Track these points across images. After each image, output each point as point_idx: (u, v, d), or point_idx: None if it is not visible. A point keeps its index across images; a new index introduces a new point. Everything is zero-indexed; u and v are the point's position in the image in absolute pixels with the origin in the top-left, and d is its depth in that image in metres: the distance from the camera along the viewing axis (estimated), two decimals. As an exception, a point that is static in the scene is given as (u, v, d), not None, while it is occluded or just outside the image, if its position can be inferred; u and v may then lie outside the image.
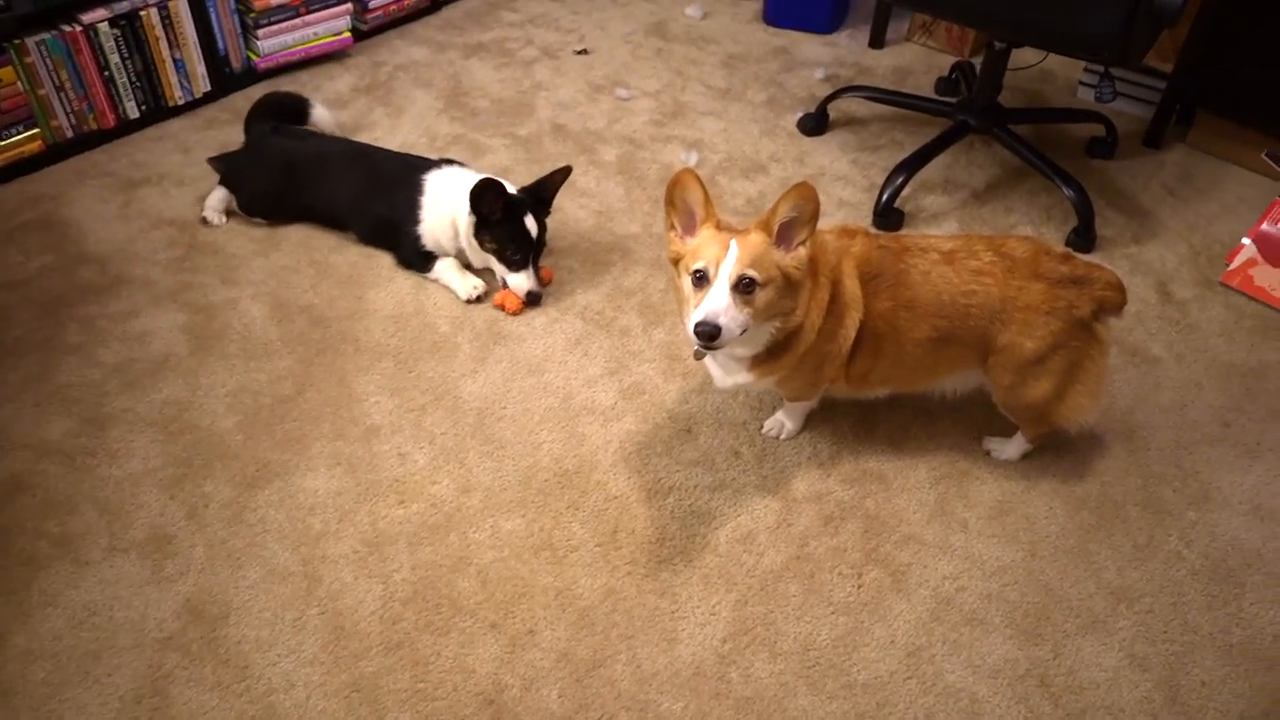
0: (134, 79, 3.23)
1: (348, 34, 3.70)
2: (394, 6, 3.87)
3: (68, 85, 3.08)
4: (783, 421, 2.35)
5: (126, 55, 3.17)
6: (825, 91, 3.45)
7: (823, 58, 3.83)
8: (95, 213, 2.95)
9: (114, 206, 2.98)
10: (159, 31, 3.20)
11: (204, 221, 2.89)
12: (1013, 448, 2.32)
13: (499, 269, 2.65)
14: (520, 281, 2.62)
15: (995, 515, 2.21)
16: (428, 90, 3.55)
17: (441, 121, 3.38)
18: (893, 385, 2.26)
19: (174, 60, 3.29)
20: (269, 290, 2.70)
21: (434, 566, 2.07)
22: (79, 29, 3.03)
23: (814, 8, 3.96)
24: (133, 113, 3.27)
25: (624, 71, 3.69)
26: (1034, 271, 2.06)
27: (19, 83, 2.97)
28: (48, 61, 3.01)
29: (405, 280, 2.77)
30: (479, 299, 2.69)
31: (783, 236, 1.91)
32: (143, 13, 3.14)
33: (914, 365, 2.17)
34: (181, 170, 3.11)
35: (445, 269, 2.72)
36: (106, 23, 3.08)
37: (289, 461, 2.27)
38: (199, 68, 3.36)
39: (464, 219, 2.63)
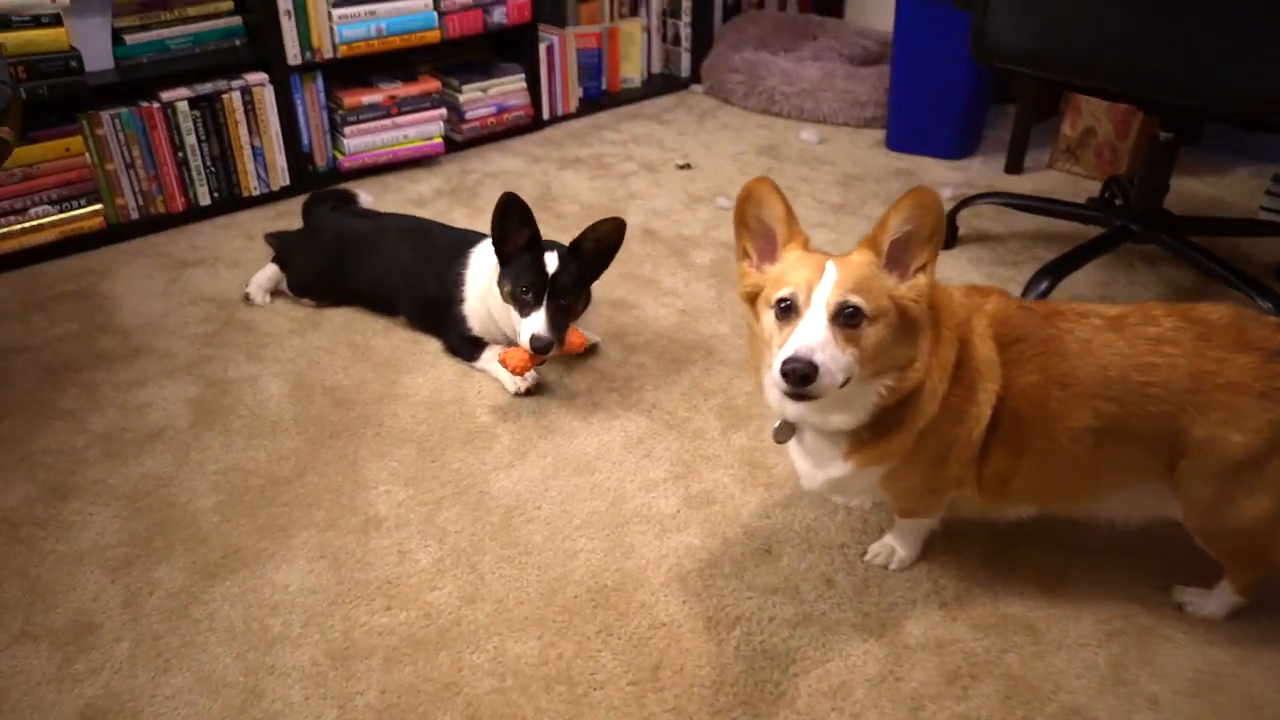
0: (209, 164, 3.08)
1: (439, 139, 3.52)
2: (492, 120, 3.71)
3: (139, 163, 2.94)
4: (893, 547, 1.79)
5: (204, 138, 3.04)
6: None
7: (951, 179, 3.44)
8: (137, 287, 2.72)
9: (159, 283, 2.74)
10: (240, 116, 3.07)
11: (246, 299, 2.61)
12: (1216, 601, 1.68)
13: (515, 320, 2.22)
14: (527, 325, 2.15)
15: (1197, 692, 1.56)
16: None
17: (523, 222, 3.09)
18: (1041, 500, 1.69)
19: (253, 148, 3.14)
20: (295, 369, 2.36)
21: (410, 692, 1.55)
22: (156, 105, 2.92)
23: (940, 131, 3.60)
24: (204, 199, 3.10)
25: (728, 185, 3.37)
26: (1239, 340, 1.50)
27: (87, 154, 2.83)
28: (120, 136, 2.89)
29: (450, 367, 2.38)
30: (530, 391, 2.26)
31: (894, 260, 1.45)
32: (225, 95, 3.02)
33: (1070, 470, 1.60)
34: (239, 254, 2.89)
35: (495, 358, 2.33)
36: (187, 102, 2.97)
37: (264, 550, 1.83)
38: (279, 159, 3.21)
39: (494, 277, 2.26)
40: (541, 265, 2.15)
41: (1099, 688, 1.57)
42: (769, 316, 1.44)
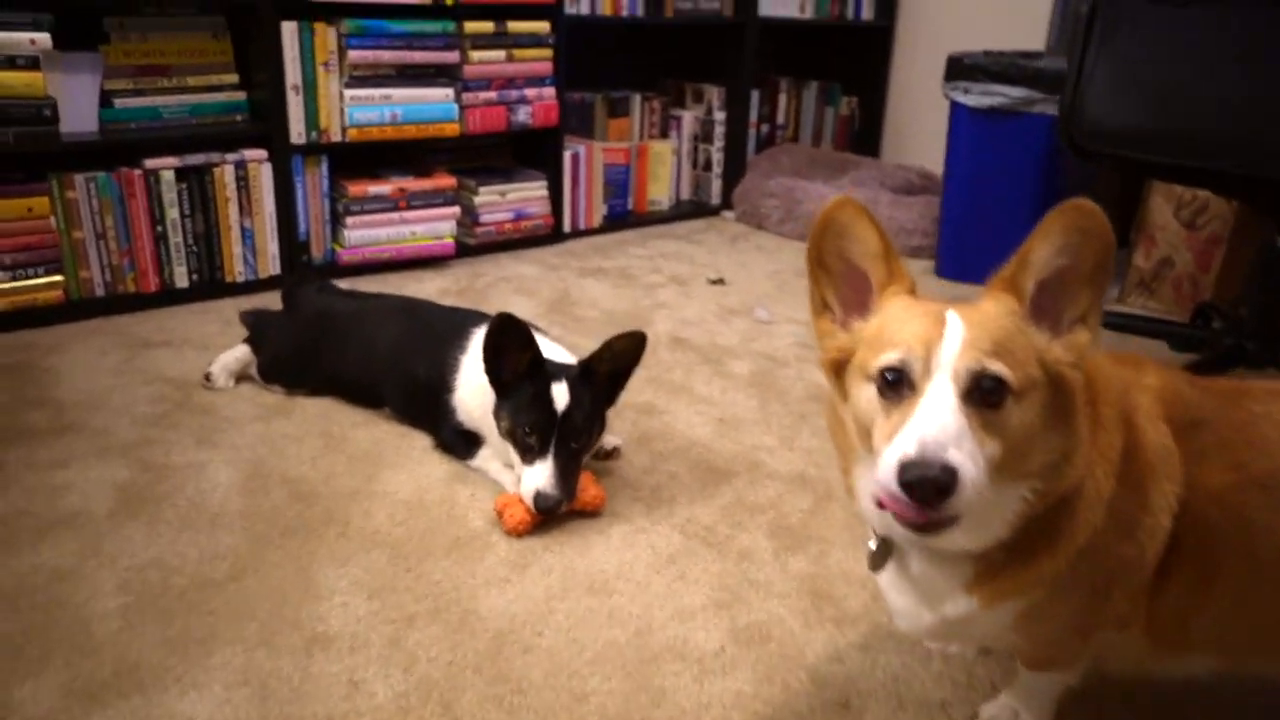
0: (191, 242, 2.76)
1: (450, 239, 3.22)
2: (509, 225, 3.43)
3: (110, 234, 2.63)
4: (1014, 710, 1.32)
5: (188, 213, 2.73)
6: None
7: (1013, 307, 3.10)
8: (85, 363, 2.34)
9: (112, 360, 2.37)
10: (231, 193, 2.78)
11: (207, 379, 2.23)
12: None
13: (515, 465, 1.81)
14: (530, 479, 1.73)
15: None
16: (529, 298, 2.96)
17: (536, 324, 2.74)
18: (1234, 649, 1.23)
19: (242, 229, 2.83)
20: (253, 457, 1.94)
21: None
22: (138, 172, 2.62)
23: (995, 260, 3.29)
24: (181, 280, 2.77)
25: (766, 300, 3.04)
26: None
27: (53, 218, 2.51)
28: (93, 202, 2.58)
29: (441, 465, 1.97)
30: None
31: (1040, 308, 1.03)
32: (217, 169, 2.74)
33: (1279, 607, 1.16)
34: (211, 339, 2.52)
35: (492, 455, 1.92)
36: (173, 172, 2.67)
37: (170, 669, 1.36)
38: (271, 244, 2.89)
39: (490, 395, 1.85)
40: (548, 401, 1.74)
41: None
42: (866, 392, 1.01)
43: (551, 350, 1.89)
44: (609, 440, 2.01)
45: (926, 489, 0.89)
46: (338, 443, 2.03)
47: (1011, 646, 1.27)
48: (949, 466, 0.89)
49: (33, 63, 2.36)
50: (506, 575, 1.62)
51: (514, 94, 3.27)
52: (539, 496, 1.70)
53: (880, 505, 0.99)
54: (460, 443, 1.96)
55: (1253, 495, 1.13)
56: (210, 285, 2.82)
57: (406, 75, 3.03)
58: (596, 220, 3.77)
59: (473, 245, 3.34)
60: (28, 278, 2.51)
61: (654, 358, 2.56)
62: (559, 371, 1.79)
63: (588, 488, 1.80)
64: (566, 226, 3.64)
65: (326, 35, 2.86)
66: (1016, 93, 3.07)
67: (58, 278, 2.56)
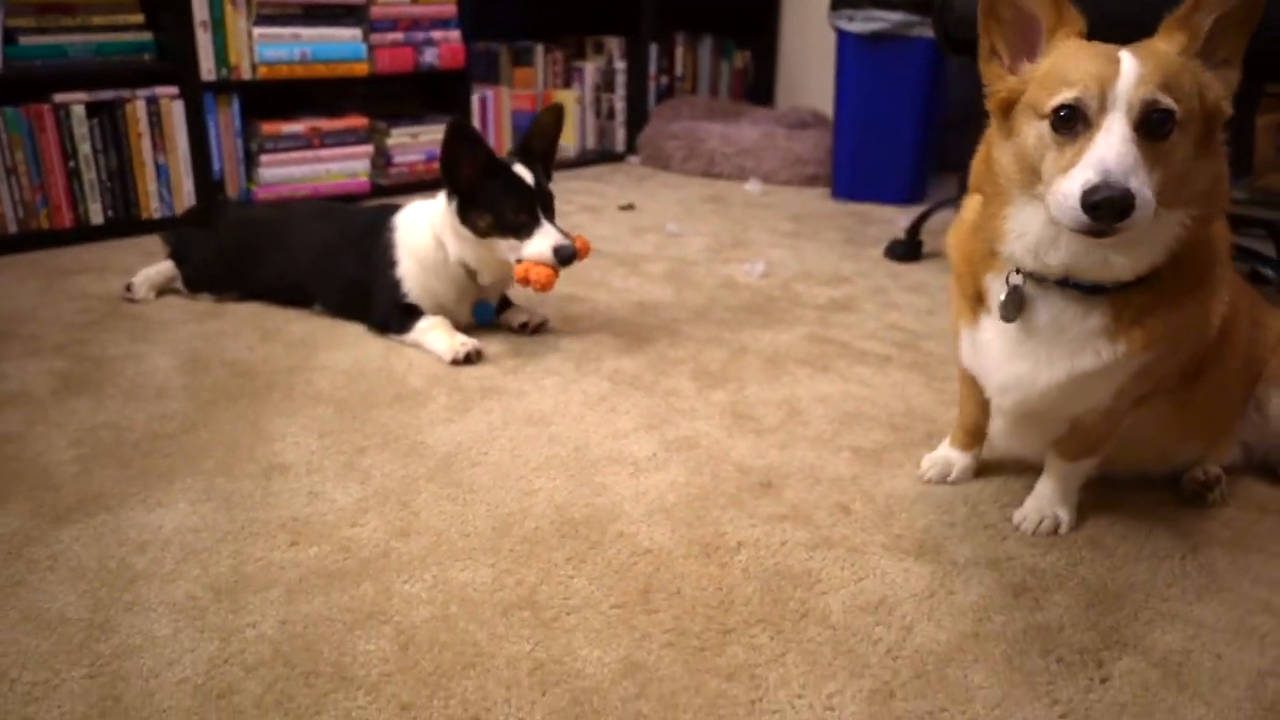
0: (105, 178, 2.77)
1: (365, 177, 3.29)
2: (421, 167, 3.50)
3: (21, 169, 2.63)
4: (1050, 510, 1.41)
5: (100, 149, 2.74)
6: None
7: (908, 216, 3.31)
8: (3, 289, 2.34)
9: (33, 286, 2.38)
10: (144, 129, 2.80)
11: (128, 289, 2.26)
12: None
13: (510, 249, 1.97)
14: (542, 242, 1.94)
15: (1314, 597, 1.26)
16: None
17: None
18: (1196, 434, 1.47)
19: (156, 166, 2.85)
20: (189, 349, 2.00)
21: (321, 621, 1.16)
22: (48, 107, 2.63)
23: (889, 177, 3.52)
24: (96, 216, 2.78)
25: (676, 220, 3.18)
26: None
27: (-39, 153, 2.51)
28: (2, 137, 2.58)
29: (377, 344, 2.05)
30: (469, 359, 1.94)
31: (1204, 49, 1.12)
32: (128, 105, 2.76)
33: (1212, 411, 1.46)
34: (132, 267, 2.52)
35: (428, 327, 2.02)
36: (83, 107, 2.69)
37: (133, 495, 1.43)
38: (186, 182, 2.92)
39: (448, 226, 2.01)
40: (522, 182, 1.95)
41: (1197, 594, 1.26)
42: (1037, 129, 1.11)
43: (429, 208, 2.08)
44: (533, 314, 2.14)
45: (1111, 210, 1.00)
46: (272, 334, 2.09)
47: (1076, 426, 1.33)
48: (1129, 190, 0.99)
49: (-65, -10, 2.35)
50: (449, 417, 1.72)
51: (420, 35, 3.35)
52: (560, 249, 1.93)
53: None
54: (398, 317, 2.05)
55: (1230, 317, 1.33)
56: (126, 221, 2.83)
57: (314, 15, 3.09)
58: (507, 165, 3.87)
59: (386, 185, 3.41)
60: (-62, 213, 2.50)
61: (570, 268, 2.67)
62: (509, 160, 1.96)
63: (579, 241, 2.03)
64: (478, 170, 3.72)
65: (232, -27, 2.90)
66: (896, 17, 3.28)
67: (-31, 214, 2.55)
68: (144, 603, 1.18)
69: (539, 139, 2.04)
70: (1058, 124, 1.09)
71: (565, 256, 1.93)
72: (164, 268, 2.31)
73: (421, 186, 3.50)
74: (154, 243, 2.66)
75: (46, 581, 1.22)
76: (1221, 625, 1.20)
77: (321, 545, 1.31)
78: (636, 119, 4.32)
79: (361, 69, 3.21)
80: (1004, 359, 1.28)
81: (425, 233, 2.02)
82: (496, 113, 3.77)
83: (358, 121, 3.26)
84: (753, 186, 3.68)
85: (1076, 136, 1.07)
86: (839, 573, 1.28)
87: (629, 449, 1.61)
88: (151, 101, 2.80)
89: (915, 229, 2.81)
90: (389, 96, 3.58)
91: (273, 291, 2.25)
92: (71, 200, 2.73)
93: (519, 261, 1.95)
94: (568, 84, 4.21)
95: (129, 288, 2.25)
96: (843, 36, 3.45)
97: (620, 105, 4.30)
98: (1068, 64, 1.10)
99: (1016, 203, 1.18)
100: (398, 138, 3.41)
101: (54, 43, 2.71)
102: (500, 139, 3.81)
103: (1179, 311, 1.19)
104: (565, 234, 1.96)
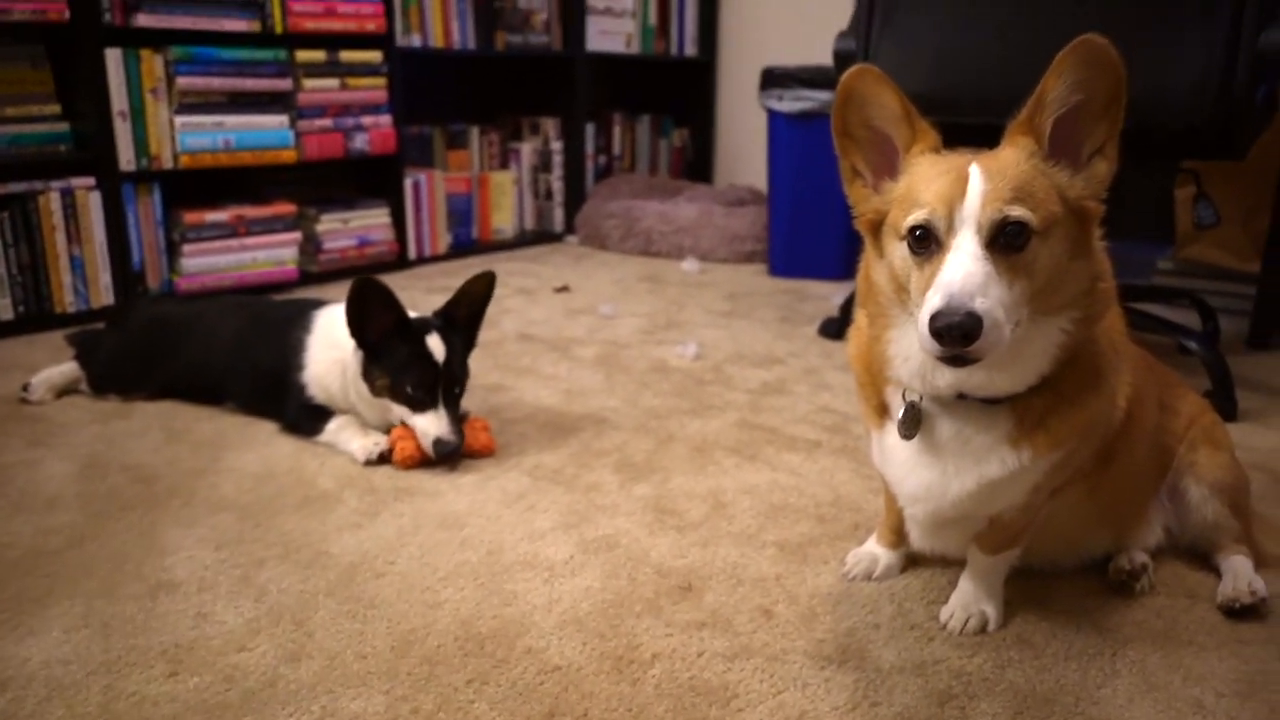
0: (15, 272, 2.68)
1: (293, 265, 3.23)
2: (353, 252, 3.45)
3: (-75, 265, 2.53)
4: (977, 606, 1.35)
5: (11, 243, 2.66)
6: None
7: (842, 292, 3.32)
8: (-99, 390, 2.24)
9: (-70, 387, 2.27)
10: (58, 221, 2.73)
11: (23, 391, 2.16)
12: (1237, 578, 1.39)
13: (401, 412, 1.87)
14: (426, 425, 1.82)
15: (1249, 693, 1.21)
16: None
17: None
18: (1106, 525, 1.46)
19: (71, 258, 2.77)
20: (89, 452, 1.90)
21: (191, 766, 1.06)
22: (-45, 200, 2.56)
23: (824, 254, 3.53)
24: (5, 312, 2.68)
25: (611, 301, 3.15)
26: None
27: None
28: (-95, 232, 2.49)
29: (288, 444, 1.97)
30: (384, 459, 1.87)
31: (1059, 146, 1.10)
32: (41, 197, 2.69)
33: (1129, 492, 1.44)
34: (39, 364, 2.42)
35: (340, 428, 1.94)
36: (-7, 201, 2.61)
37: (4, 622, 1.33)
38: (103, 274, 2.83)
39: (352, 360, 1.91)
40: (429, 355, 1.83)
41: (1129, 696, 1.20)
42: (900, 250, 1.09)
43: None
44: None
45: (954, 335, 0.97)
46: (180, 434, 2.00)
47: (995, 522, 1.28)
48: (974, 313, 0.97)
49: None
50: (358, 522, 1.64)
51: (350, 121, 3.33)
52: (439, 444, 1.79)
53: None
54: (307, 418, 1.97)
55: (1147, 404, 1.32)
56: (39, 316, 2.73)
57: (239, 103, 3.06)
58: (442, 248, 3.84)
59: (317, 272, 3.35)
60: None
61: (501, 349, 2.62)
62: (426, 324, 1.86)
63: (482, 435, 1.90)
64: (412, 253, 3.69)
65: (154, 62, 2.86)
66: (824, 96, 3.32)
67: None
68: (-4, 751, 1.08)
69: (465, 306, 1.94)
70: (914, 245, 1.08)
71: (442, 453, 1.80)
72: (67, 369, 2.21)
73: (353, 271, 3.44)
74: (65, 339, 2.58)
75: (-110, 730, 1.12)
76: (1153, 730, 1.14)
77: (203, 675, 1.22)
78: (574, 198, 4.32)
79: (289, 156, 3.17)
80: (911, 468, 1.24)
81: (340, 346, 1.94)
82: (430, 196, 3.74)
83: (285, 208, 3.21)
84: (689, 265, 3.67)
85: (932, 257, 1.06)
86: (758, 686, 1.21)
87: (544, 552, 1.54)
88: (66, 193, 2.73)
89: (849, 306, 2.80)
90: (320, 181, 3.54)
91: (184, 389, 2.17)
92: (-21, 295, 2.63)
93: (402, 423, 1.87)
94: (504, 165, 4.20)
95: (25, 388, 2.15)
96: (774, 116, 3.49)
97: (558, 185, 4.31)
98: (919, 184, 1.09)
99: (898, 324, 1.16)
100: (328, 223, 3.37)
101: (-36, 135, 2.65)
102: (435, 222, 3.78)
103: (1082, 409, 1.17)
104: (458, 424, 1.84)
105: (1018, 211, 1.02)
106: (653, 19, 4.63)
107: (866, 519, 1.65)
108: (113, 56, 2.78)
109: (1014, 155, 1.09)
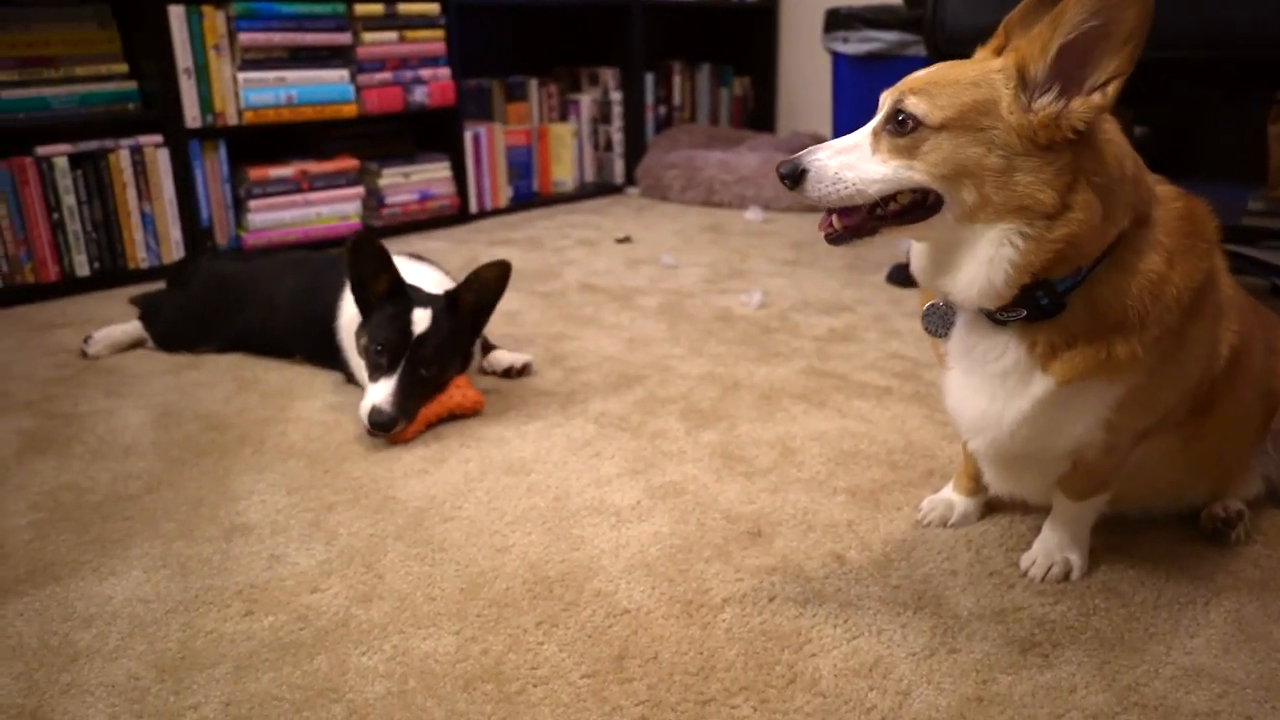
0: (90, 229, 2.73)
1: (356, 219, 3.24)
2: (415, 206, 3.45)
3: (4, 224, 2.59)
4: (1061, 554, 1.31)
5: (85, 200, 2.71)
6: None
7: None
8: (-16, 344, 2.30)
9: (10, 341, 2.32)
10: (128, 178, 2.76)
11: (85, 342, 2.19)
12: None
13: (363, 382, 1.83)
14: (370, 394, 1.72)
15: (1351, 644, 1.15)
16: (436, 268, 2.98)
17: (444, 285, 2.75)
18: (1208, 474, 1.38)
19: (142, 215, 2.81)
20: (164, 401, 1.93)
21: (268, 701, 1.07)
22: (30, 160, 2.60)
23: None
24: (82, 268, 2.73)
25: (672, 252, 3.11)
26: None
27: (-58, 208, 2.48)
28: (-16, 191, 2.54)
29: (354, 393, 1.97)
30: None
31: (1064, 72, 1.03)
32: (111, 155, 2.72)
33: (1232, 445, 1.38)
34: (115, 320, 2.47)
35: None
36: (66, 159, 2.65)
37: (86, 563, 1.36)
38: (173, 230, 2.87)
39: (350, 314, 1.90)
40: (406, 323, 1.76)
41: (1224, 646, 1.15)
42: None
43: (435, 281, 1.94)
44: (516, 358, 2.06)
45: (780, 172, 1.12)
46: (249, 384, 2.03)
47: (1079, 463, 1.24)
48: (798, 161, 1.11)
49: (-91, 45, 2.33)
50: (424, 468, 1.64)
51: (409, 74, 3.32)
52: (373, 411, 1.68)
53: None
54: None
55: (1257, 351, 1.26)
56: (113, 272, 2.79)
57: (300, 57, 3.06)
58: (503, 201, 3.82)
59: (380, 226, 3.36)
60: (-81, 270, 2.46)
61: (564, 299, 2.61)
62: (426, 299, 1.81)
63: (466, 391, 1.85)
64: (473, 207, 3.68)
65: (215, 19, 2.87)
66: (890, 36, 3.22)
67: (-50, 269, 2.51)
68: (81, 684, 1.11)
69: (473, 291, 1.84)
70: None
71: (374, 422, 1.68)
72: (130, 328, 2.25)
73: (415, 226, 3.47)
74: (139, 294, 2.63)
75: (-18, 664, 1.15)
76: (1252, 682, 1.09)
77: (278, 614, 1.23)
78: (634, 150, 4.27)
79: (350, 110, 3.17)
80: (965, 396, 1.20)
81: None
82: (491, 150, 3.72)
83: (348, 163, 3.22)
84: (753, 214, 3.60)
85: None
86: (831, 631, 1.19)
87: (611, 498, 1.53)
88: (135, 151, 2.76)
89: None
90: (380, 136, 3.54)
91: (250, 344, 2.19)
92: (56, 253, 2.68)
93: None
94: (564, 117, 4.16)
95: (86, 340, 2.19)
96: (838, 59, 3.39)
97: (618, 137, 4.25)
98: None
99: None
100: (390, 178, 3.37)
101: (36, 95, 2.69)
102: (495, 175, 3.76)
103: (1100, 349, 1.09)
104: (408, 402, 1.72)
105: (911, 100, 1.07)
106: (713, -36, 4.52)
107: (941, 465, 1.60)
108: (176, 14, 2.79)
109: (969, 67, 1.09)
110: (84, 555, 1.38)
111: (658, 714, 1.05)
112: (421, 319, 1.77)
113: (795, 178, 1.10)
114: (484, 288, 1.86)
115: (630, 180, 4.26)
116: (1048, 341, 1.11)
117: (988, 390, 1.17)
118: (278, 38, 2.98)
